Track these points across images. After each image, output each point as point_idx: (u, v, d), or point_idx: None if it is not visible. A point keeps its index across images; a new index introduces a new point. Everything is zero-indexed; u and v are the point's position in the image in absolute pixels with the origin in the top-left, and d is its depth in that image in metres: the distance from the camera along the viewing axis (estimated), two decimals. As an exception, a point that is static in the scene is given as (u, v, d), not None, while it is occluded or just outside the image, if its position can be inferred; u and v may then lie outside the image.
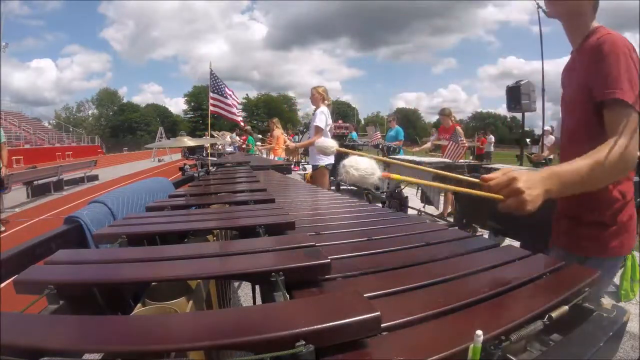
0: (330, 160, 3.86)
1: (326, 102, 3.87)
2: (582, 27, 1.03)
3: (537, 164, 4.82)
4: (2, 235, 4.34)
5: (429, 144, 6.44)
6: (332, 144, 1.10)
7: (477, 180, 0.81)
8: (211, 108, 2.98)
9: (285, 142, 7.23)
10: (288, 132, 14.43)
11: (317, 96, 3.80)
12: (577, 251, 1.07)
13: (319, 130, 3.73)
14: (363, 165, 0.64)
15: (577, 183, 0.83)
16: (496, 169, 3.67)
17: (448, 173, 0.97)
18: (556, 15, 1.07)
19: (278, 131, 7.58)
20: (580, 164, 0.84)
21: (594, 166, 0.83)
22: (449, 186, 0.86)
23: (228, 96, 2.96)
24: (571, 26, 1.07)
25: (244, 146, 9.52)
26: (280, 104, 57.08)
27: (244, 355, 0.42)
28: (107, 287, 0.64)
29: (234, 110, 3.00)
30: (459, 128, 4.63)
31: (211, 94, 2.98)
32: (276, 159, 7.21)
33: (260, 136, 9.75)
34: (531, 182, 0.75)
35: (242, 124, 3.14)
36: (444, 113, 5.47)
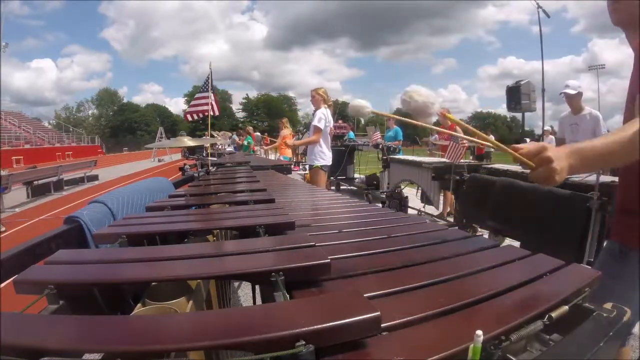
0: (326, 161, 3.88)
1: (327, 103, 3.89)
2: None
3: None
4: (2, 236, 4.33)
5: (431, 139, 6.45)
6: (365, 104, 1.07)
7: (507, 147, 0.83)
8: (189, 109, 3.08)
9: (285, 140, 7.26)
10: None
11: (318, 98, 3.83)
12: (629, 242, 1.05)
13: (317, 131, 3.77)
14: (425, 93, 0.64)
15: (598, 160, 0.85)
16: (496, 169, 3.65)
17: (478, 135, 0.93)
18: (618, 23, 1.07)
19: (286, 131, 7.61)
20: (602, 141, 0.85)
21: (616, 143, 0.83)
22: (491, 140, 0.86)
23: (203, 98, 3.02)
24: (632, 35, 1.06)
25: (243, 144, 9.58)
26: (280, 104, 57.07)
27: (244, 355, 0.42)
28: (107, 287, 0.65)
29: (194, 109, 3.06)
30: (458, 128, 4.63)
31: (198, 94, 3.05)
32: (281, 157, 7.22)
33: (262, 136, 9.79)
34: (559, 155, 0.77)
35: (187, 120, 3.23)
36: (442, 113, 5.47)
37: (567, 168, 0.78)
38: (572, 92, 3.27)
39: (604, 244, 1.18)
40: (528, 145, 0.80)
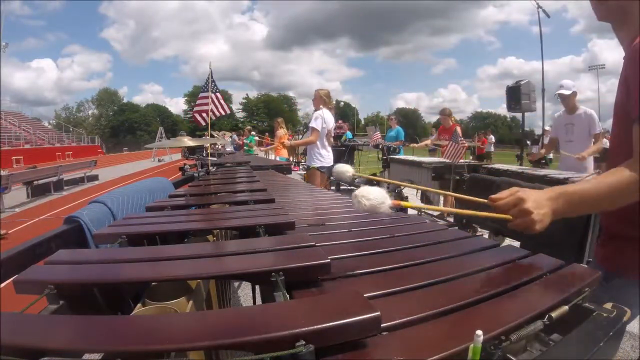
0: (323, 163, 3.90)
1: (328, 105, 3.91)
2: (631, 29, 0.94)
3: (535, 163, 4.84)
4: (2, 238, 4.31)
5: (428, 141, 6.46)
6: (348, 169, 1.15)
7: (485, 200, 0.82)
8: (195, 108, 3.04)
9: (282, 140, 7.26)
10: (288, 132, 14.45)
11: (319, 99, 3.87)
12: (618, 271, 0.96)
13: (314, 131, 3.79)
14: (373, 195, 0.68)
15: (585, 205, 0.82)
16: (496, 169, 3.64)
17: (463, 196, 0.97)
18: (604, 17, 1.01)
19: (281, 131, 7.60)
20: (590, 185, 0.81)
21: (606, 189, 0.79)
22: (464, 211, 0.86)
23: (208, 97, 2.98)
24: (620, 29, 0.99)
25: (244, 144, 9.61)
26: (280, 104, 57.12)
27: (244, 355, 0.42)
28: (107, 287, 0.65)
29: (201, 109, 3.01)
30: (458, 128, 4.63)
31: (201, 94, 3.02)
32: (278, 158, 7.21)
33: (257, 138, 9.77)
34: (539, 202, 0.75)
35: (199, 124, 3.12)
36: (445, 113, 5.47)
37: (550, 214, 0.76)
38: (567, 92, 3.25)
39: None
40: (503, 195, 0.78)
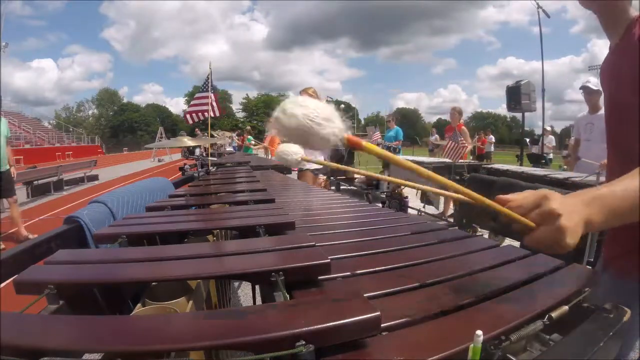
0: (315, 164, 3.86)
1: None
2: (620, 18, 0.88)
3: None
4: (2, 240, 4.28)
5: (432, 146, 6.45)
6: (296, 150, 0.90)
7: (494, 203, 0.59)
8: (189, 109, 3.05)
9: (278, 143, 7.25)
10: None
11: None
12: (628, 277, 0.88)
13: None
14: (312, 103, 0.55)
15: (629, 212, 0.58)
16: (496, 169, 3.63)
17: (467, 194, 0.62)
18: (590, 5, 0.93)
19: (274, 130, 7.58)
20: (633, 183, 0.59)
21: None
22: (485, 200, 0.61)
23: (203, 98, 2.98)
24: (607, 17, 0.92)
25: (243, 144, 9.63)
26: (280, 104, 57.04)
27: (244, 355, 0.42)
28: (107, 287, 0.65)
29: (194, 109, 3.02)
30: (463, 128, 4.62)
31: (197, 94, 3.03)
32: (273, 158, 7.22)
33: (254, 142, 9.75)
34: (569, 205, 0.54)
35: (187, 122, 3.11)
36: (455, 109, 5.31)
37: (583, 224, 0.54)
38: (594, 87, 3.18)
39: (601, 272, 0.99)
40: (522, 195, 0.57)
